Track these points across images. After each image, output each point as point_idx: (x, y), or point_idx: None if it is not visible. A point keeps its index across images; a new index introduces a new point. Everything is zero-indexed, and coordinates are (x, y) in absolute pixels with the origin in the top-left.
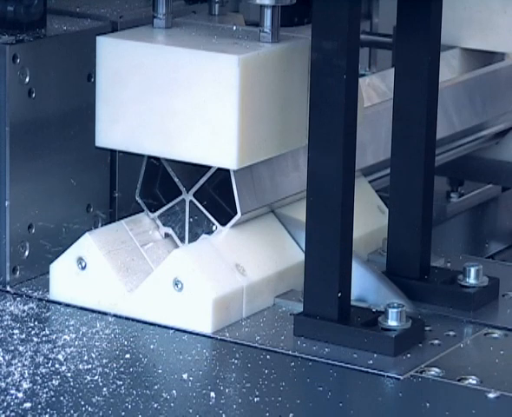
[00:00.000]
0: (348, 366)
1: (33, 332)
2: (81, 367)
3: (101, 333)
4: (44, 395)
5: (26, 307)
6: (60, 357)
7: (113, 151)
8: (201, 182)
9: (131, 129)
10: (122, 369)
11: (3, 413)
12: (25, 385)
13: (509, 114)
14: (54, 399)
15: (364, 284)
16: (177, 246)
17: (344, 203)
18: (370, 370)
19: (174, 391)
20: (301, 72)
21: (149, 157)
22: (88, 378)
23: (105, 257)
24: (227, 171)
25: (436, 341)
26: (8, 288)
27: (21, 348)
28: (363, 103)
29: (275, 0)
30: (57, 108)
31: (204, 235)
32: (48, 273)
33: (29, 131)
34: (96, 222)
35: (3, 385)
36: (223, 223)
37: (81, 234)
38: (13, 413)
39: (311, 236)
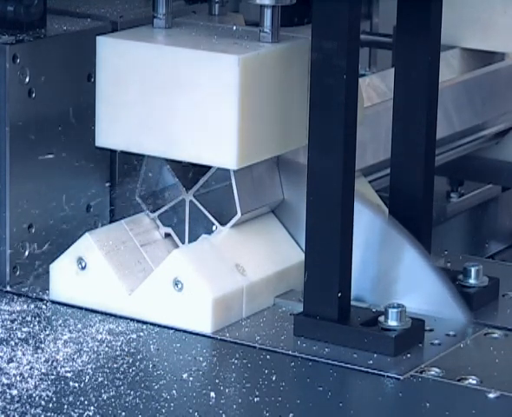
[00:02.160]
0: (348, 366)
1: (33, 332)
2: (81, 367)
3: (100, 333)
4: (44, 395)
5: (26, 307)
6: (60, 357)
7: (113, 151)
8: (201, 181)
9: (131, 129)
10: (122, 369)
11: (3, 412)
12: (25, 385)
13: (509, 114)
14: (54, 399)
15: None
16: (177, 246)
17: (344, 203)
18: (370, 370)
19: (174, 391)
20: (301, 72)
21: (149, 157)
22: (88, 378)
23: (105, 257)
24: (227, 171)
25: (436, 341)
26: (8, 288)
27: (20, 348)
28: (363, 103)
29: (275, 0)
30: (57, 108)
31: (204, 235)
32: (48, 273)
33: (29, 131)
34: (96, 222)
35: (3, 385)
36: (223, 223)
37: (81, 234)
38: (13, 413)
39: (311, 236)
